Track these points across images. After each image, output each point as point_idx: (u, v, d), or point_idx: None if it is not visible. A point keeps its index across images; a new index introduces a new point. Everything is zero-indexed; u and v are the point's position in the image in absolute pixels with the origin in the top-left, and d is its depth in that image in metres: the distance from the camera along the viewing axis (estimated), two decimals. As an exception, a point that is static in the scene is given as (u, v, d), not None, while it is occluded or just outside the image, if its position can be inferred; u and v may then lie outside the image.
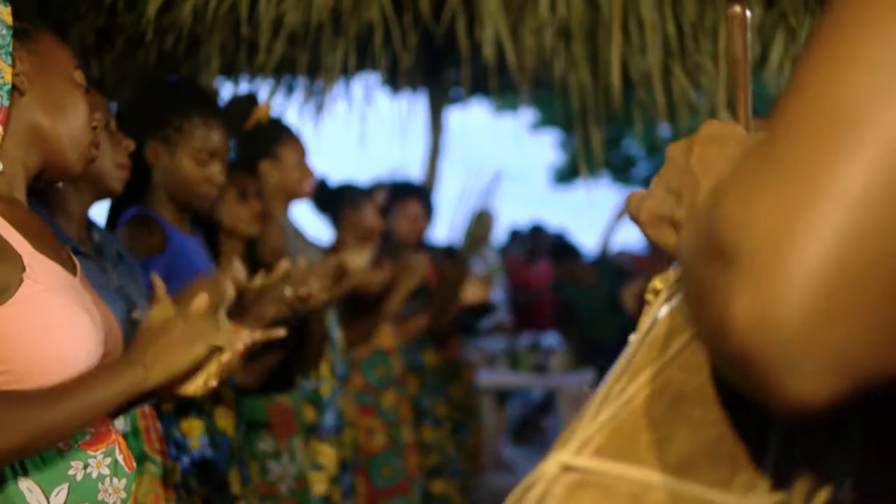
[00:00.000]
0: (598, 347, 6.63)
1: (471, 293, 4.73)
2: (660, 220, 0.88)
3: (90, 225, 2.28)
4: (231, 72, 4.78)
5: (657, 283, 0.90)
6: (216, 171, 2.64)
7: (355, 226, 4.14)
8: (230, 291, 1.90)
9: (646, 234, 0.90)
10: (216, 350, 1.73)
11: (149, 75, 2.75)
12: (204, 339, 1.67)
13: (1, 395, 1.44)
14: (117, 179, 2.27)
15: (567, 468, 0.71)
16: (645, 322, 0.90)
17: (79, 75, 1.70)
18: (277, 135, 3.36)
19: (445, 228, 6.77)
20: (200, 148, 2.61)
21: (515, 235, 9.16)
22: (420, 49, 4.02)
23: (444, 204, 7.56)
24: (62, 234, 2.11)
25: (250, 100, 3.23)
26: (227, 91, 4.63)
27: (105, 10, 3.73)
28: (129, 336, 2.05)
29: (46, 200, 2.13)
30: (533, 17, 3.60)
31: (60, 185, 2.15)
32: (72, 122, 1.67)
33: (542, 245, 8.41)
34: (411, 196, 4.79)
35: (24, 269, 1.53)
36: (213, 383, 1.78)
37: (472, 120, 8.65)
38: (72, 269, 1.68)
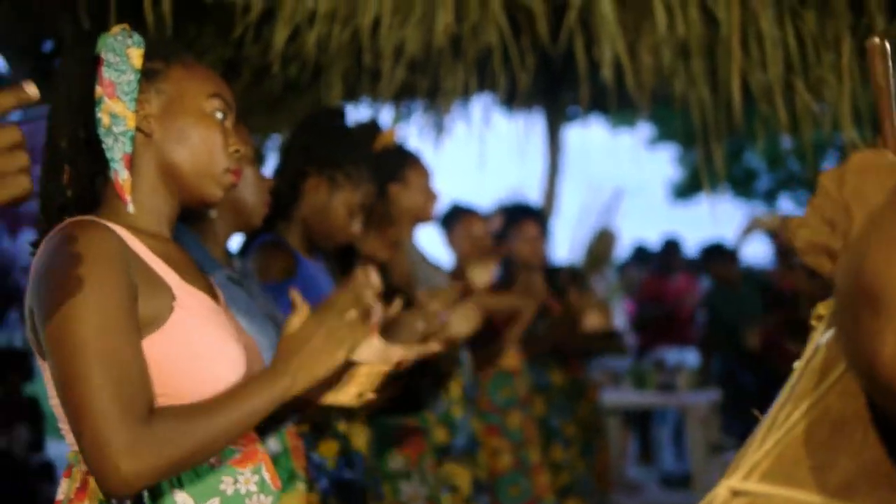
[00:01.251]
0: (739, 361, 6.56)
1: (591, 320, 4.72)
2: (816, 248, 0.90)
3: (230, 253, 2.37)
4: (352, 96, 4.89)
5: (821, 309, 0.91)
6: (358, 224, 2.72)
7: (463, 242, 4.18)
8: (369, 299, 1.94)
9: (804, 261, 0.92)
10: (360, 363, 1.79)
11: (327, 111, 2.84)
12: (344, 344, 1.68)
13: (164, 410, 1.52)
14: (260, 216, 2.36)
15: (736, 493, 0.75)
16: (809, 348, 0.91)
17: (213, 104, 1.71)
18: (403, 159, 3.41)
19: (566, 248, 6.77)
20: (357, 201, 2.69)
21: (641, 251, 9.06)
22: (537, 69, 4.05)
23: (564, 223, 7.55)
24: (212, 260, 2.19)
25: (374, 125, 3.29)
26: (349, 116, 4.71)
27: (232, 42, 3.86)
28: None
29: (196, 228, 2.23)
30: (650, 36, 3.60)
31: (213, 213, 2.25)
32: (203, 154, 1.70)
33: (676, 258, 8.30)
34: (527, 218, 4.79)
35: (173, 298, 1.60)
36: (370, 396, 1.83)
37: (589, 137, 8.62)
38: (214, 298, 1.75)
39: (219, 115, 1.71)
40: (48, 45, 6.00)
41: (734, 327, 6.79)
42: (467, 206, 4.35)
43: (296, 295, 1.78)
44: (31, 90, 1.12)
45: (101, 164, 1.64)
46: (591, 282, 6.22)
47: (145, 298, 1.56)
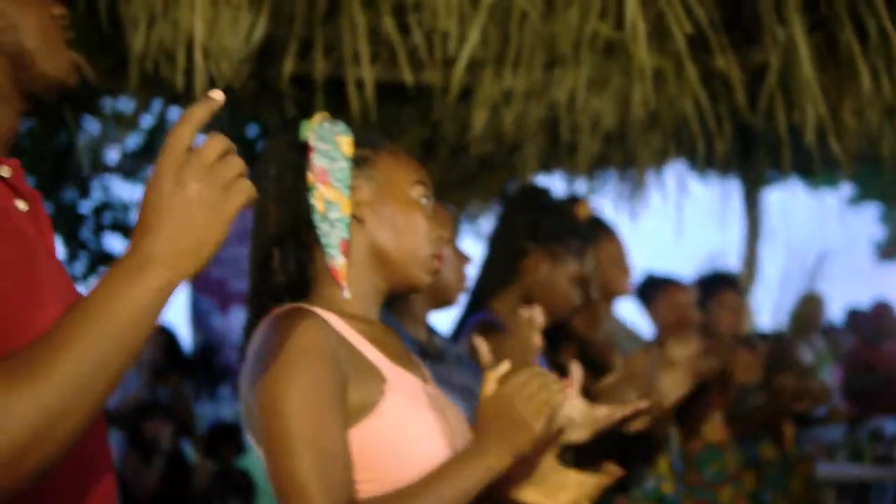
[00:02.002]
0: None
1: (805, 404, 4.52)
2: None
3: (430, 329, 2.40)
4: (546, 169, 4.92)
5: None
6: (577, 294, 2.73)
7: (667, 315, 4.09)
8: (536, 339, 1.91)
9: None
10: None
11: (537, 189, 2.89)
12: (542, 410, 1.62)
13: (369, 501, 1.53)
14: (458, 293, 2.38)
15: None
16: None
17: (418, 190, 1.73)
18: (596, 233, 3.39)
19: (768, 315, 6.57)
20: (577, 271, 2.71)
21: (855, 316, 8.63)
22: (733, 133, 3.98)
23: (766, 289, 7.34)
24: (409, 337, 2.22)
25: (571, 199, 3.29)
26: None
27: (430, 122, 3.95)
28: None
29: (393, 306, 2.26)
30: (854, 98, 3.50)
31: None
32: (411, 240, 1.72)
33: (889, 322, 7.89)
34: (726, 286, 4.66)
35: (384, 381, 1.62)
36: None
37: (786, 199, 8.35)
38: (422, 377, 1.77)
39: (423, 202, 1.73)
40: (252, 131, 6.27)
41: None
42: (667, 275, 4.27)
43: (480, 342, 1.76)
44: (217, 95, 1.13)
45: (309, 249, 1.68)
46: (798, 349, 6.00)
47: (357, 385, 1.58)
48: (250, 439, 1.65)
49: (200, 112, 1.12)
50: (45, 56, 1.29)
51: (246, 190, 1.13)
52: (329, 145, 1.69)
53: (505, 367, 1.69)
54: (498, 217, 2.90)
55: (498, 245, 2.76)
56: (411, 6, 2.96)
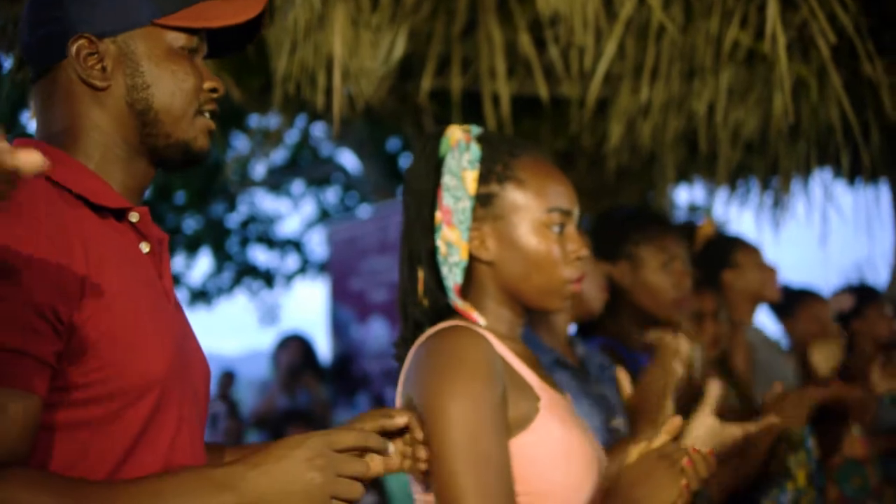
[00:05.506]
0: None
1: None
2: None
3: (572, 340, 2.42)
4: (685, 178, 4.86)
5: None
6: (681, 285, 2.68)
7: (806, 327, 4.01)
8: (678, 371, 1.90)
9: None
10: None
11: (616, 209, 2.90)
12: (684, 473, 1.62)
13: None
14: (599, 302, 2.39)
15: None
16: None
17: (550, 218, 1.70)
18: (729, 244, 3.35)
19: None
20: (663, 258, 2.65)
21: None
22: (882, 139, 3.85)
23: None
24: (544, 346, 2.24)
25: (690, 224, 3.27)
26: (682, 198, 4.68)
27: (566, 135, 3.96)
28: (607, 442, 2.11)
29: (532, 319, 2.28)
30: None
31: None
32: (541, 273, 1.71)
33: None
34: (876, 297, 4.53)
35: (538, 399, 1.66)
36: (693, 485, 1.77)
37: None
38: (561, 394, 1.79)
39: (555, 230, 1.71)
40: (392, 144, 6.34)
41: None
42: (806, 288, 4.19)
43: (623, 376, 1.77)
44: (402, 420, 1.40)
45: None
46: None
47: (514, 400, 1.62)
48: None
49: (371, 443, 1.33)
50: (170, 118, 1.38)
51: None
52: (456, 181, 1.70)
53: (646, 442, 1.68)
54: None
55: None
56: (547, 21, 2.97)
